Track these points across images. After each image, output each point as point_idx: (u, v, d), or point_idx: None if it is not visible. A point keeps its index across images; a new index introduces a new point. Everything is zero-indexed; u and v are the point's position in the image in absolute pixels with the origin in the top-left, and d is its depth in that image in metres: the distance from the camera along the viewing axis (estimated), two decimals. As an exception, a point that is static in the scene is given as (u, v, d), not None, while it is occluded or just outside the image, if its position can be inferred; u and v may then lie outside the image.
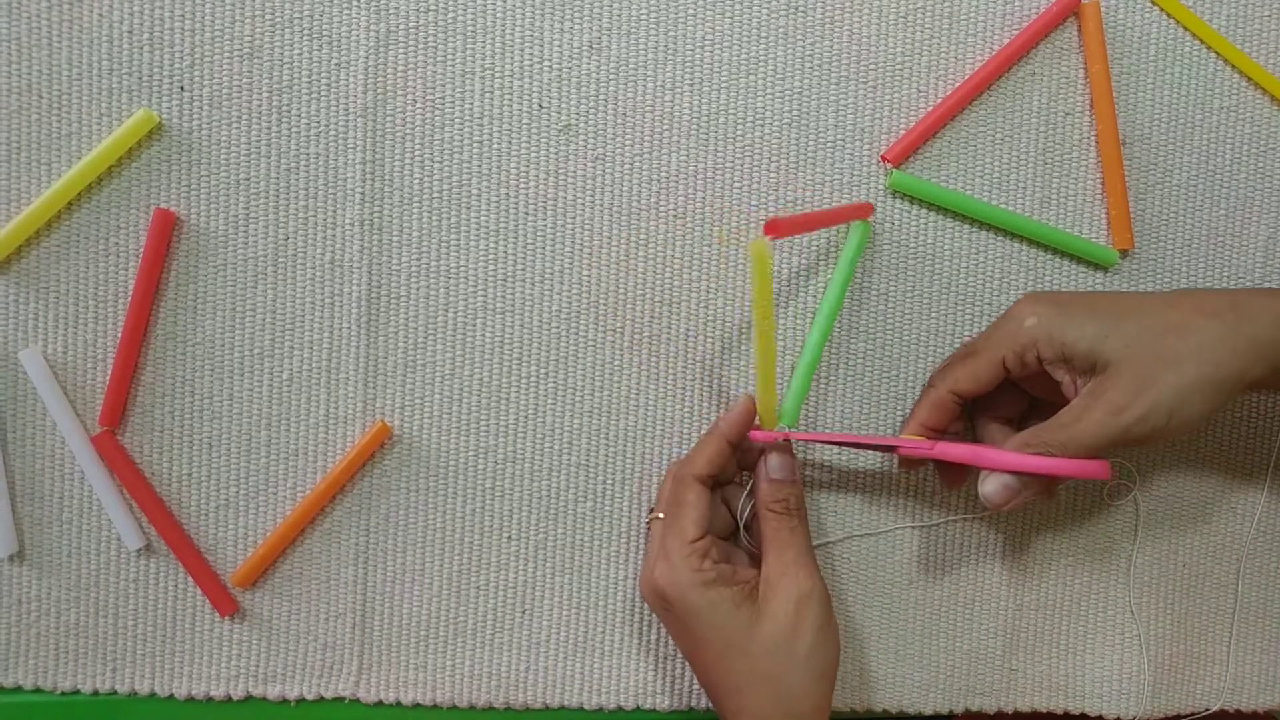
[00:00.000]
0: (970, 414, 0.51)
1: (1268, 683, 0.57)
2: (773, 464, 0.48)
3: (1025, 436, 0.45)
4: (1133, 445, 0.44)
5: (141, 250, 0.49)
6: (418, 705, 0.53)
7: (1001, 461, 0.44)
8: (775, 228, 0.42)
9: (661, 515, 0.48)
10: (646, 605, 0.52)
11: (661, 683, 0.54)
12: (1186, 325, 0.43)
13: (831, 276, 0.52)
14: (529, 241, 0.51)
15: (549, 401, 0.52)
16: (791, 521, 0.47)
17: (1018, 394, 0.50)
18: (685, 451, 0.52)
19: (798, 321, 0.52)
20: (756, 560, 0.48)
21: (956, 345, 0.53)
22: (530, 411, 0.52)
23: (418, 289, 0.51)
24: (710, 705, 0.53)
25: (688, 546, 0.46)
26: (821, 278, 0.52)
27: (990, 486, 0.45)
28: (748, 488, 0.49)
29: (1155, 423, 0.43)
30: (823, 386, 0.53)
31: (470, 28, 0.50)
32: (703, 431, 0.52)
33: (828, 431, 0.53)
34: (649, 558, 0.48)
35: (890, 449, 0.50)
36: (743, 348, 0.52)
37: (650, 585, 0.46)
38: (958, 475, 0.51)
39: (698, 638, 0.45)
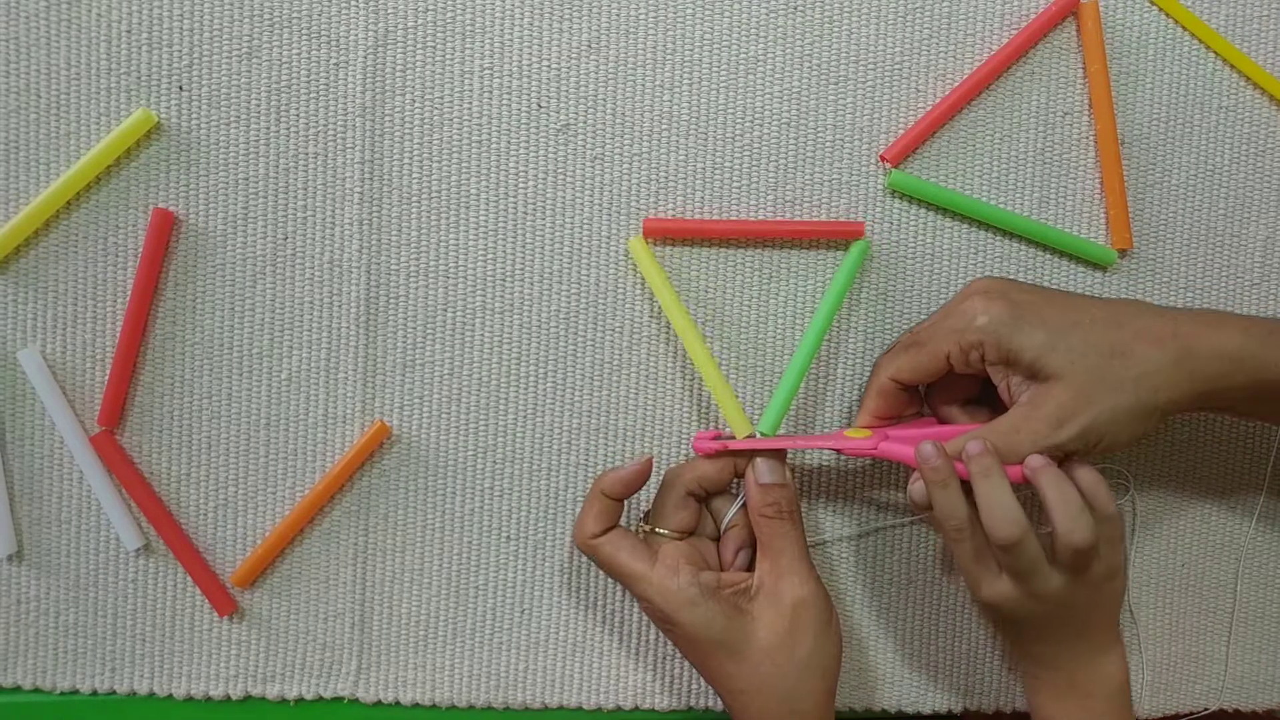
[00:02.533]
0: (925, 395, 0.51)
1: (1266, 682, 0.57)
2: (760, 469, 0.47)
3: (959, 440, 0.45)
4: (1059, 455, 0.44)
5: (140, 250, 0.49)
6: (417, 705, 0.53)
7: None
8: (651, 229, 0.43)
9: (650, 528, 0.48)
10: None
11: (661, 683, 0.54)
12: (1130, 352, 0.44)
13: (825, 293, 0.51)
14: (528, 241, 0.51)
15: (548, 401, 0.52)
16: (784, 526, 0.46)
17: (971, 377, 0.49)
18: (684, 452, 0.52)
19: (793, 330, 0.52)
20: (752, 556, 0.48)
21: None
22: (529, 411, 0.52)
23: (417, 288, 0.51)
24: (718, 703, 0.53)
25: (656, 581, 0.45)
26: (819, 288, 0.52)
27: (916, 489, 0.45)
28: (740, 496, 0.49)
29: (1089, 441, 0.43)
30: (821, 386, 0.53)
31: (469, 27, 0.50)
32: (701, 430, 0.51)
33: (811, 435, 0.53)
34: (631, 590, 0.47)
35: (835, 450, 0.49)
36: (742, 348, 0.52)
37: (642, 598, 0.46)
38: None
39: (699, 650, 0.46)
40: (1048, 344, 0.44)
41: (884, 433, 0.48)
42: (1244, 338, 0.44)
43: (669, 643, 0.53)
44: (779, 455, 0.48)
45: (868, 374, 0.53)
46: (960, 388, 0.50)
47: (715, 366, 0.50)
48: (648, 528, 0.48)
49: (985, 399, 0.50)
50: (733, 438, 0.48)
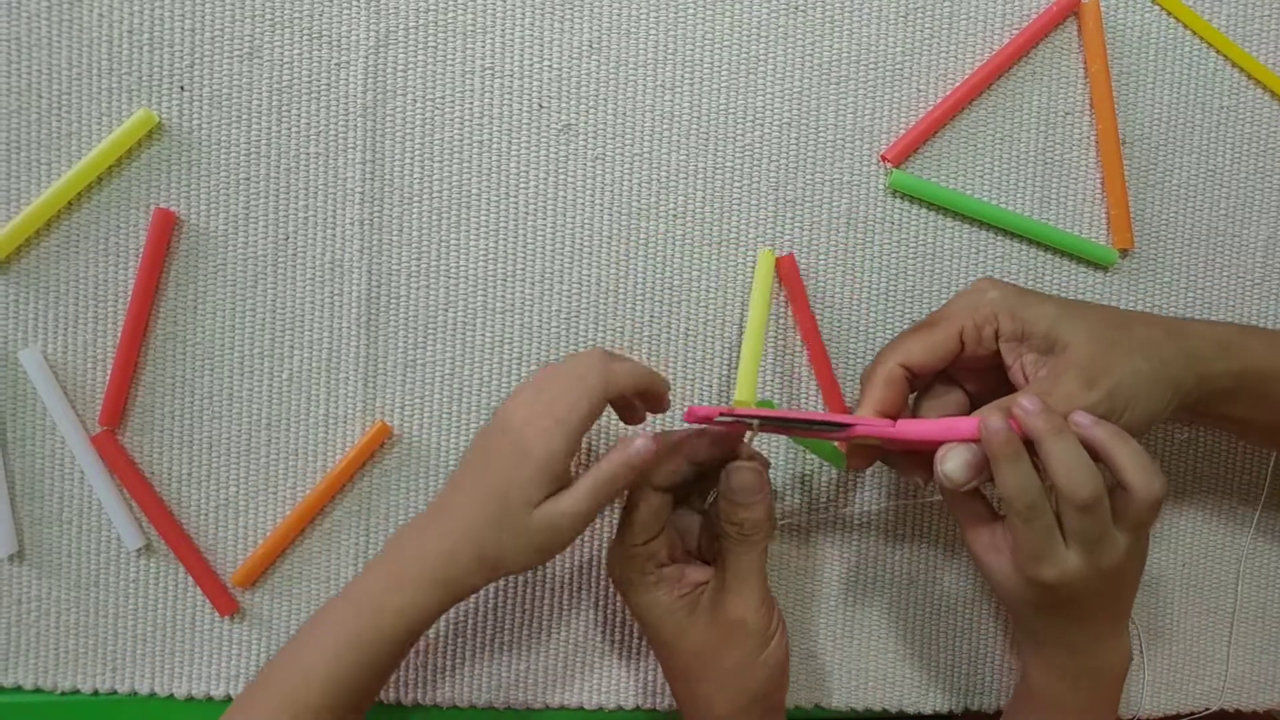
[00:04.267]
0: (917, 413, 0.48)
1: (1266, 682, 0.57)
2: (734, 482, 0.44)
3: (994, 405, 0.43)
4: None
5: (141, 250, 0.49)
6: (417, 705, 0.53)
7: (972, 428, 0.41)
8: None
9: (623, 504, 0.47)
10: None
11: (661, 682, 0.54)
12: (1131, 327, 0.44)
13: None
14: (529, 241, 0.51)
15: (549, 401, 0.52)
16: (742, 546, 0.45)
17: (961, 391, 0.48)
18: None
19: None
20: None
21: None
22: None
23: (418, 288, 0.51)
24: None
25: (629, 549, 0.45)
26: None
27: (953, 464, 0.42)
28: (712, 494, 0.47)
29: (1116, 404, 0.42)
30: (820, 387, 0.53)
31: (470, 27, 0.50)
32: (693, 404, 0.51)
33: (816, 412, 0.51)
34: (617, 539, 0.47)
35: (845, 427, 0.44)
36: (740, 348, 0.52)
37: (608, 571, 0.48)
38: (917, 463, 0.47)
39: (642, 624, 0.47)
40: (1060, 313, 0.44)
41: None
42: (1228, 327, 0.47)
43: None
44: (756, 469, 0.45)
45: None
46: (951, 399, 0.48)
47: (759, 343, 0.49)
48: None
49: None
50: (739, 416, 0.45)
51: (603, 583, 0.53)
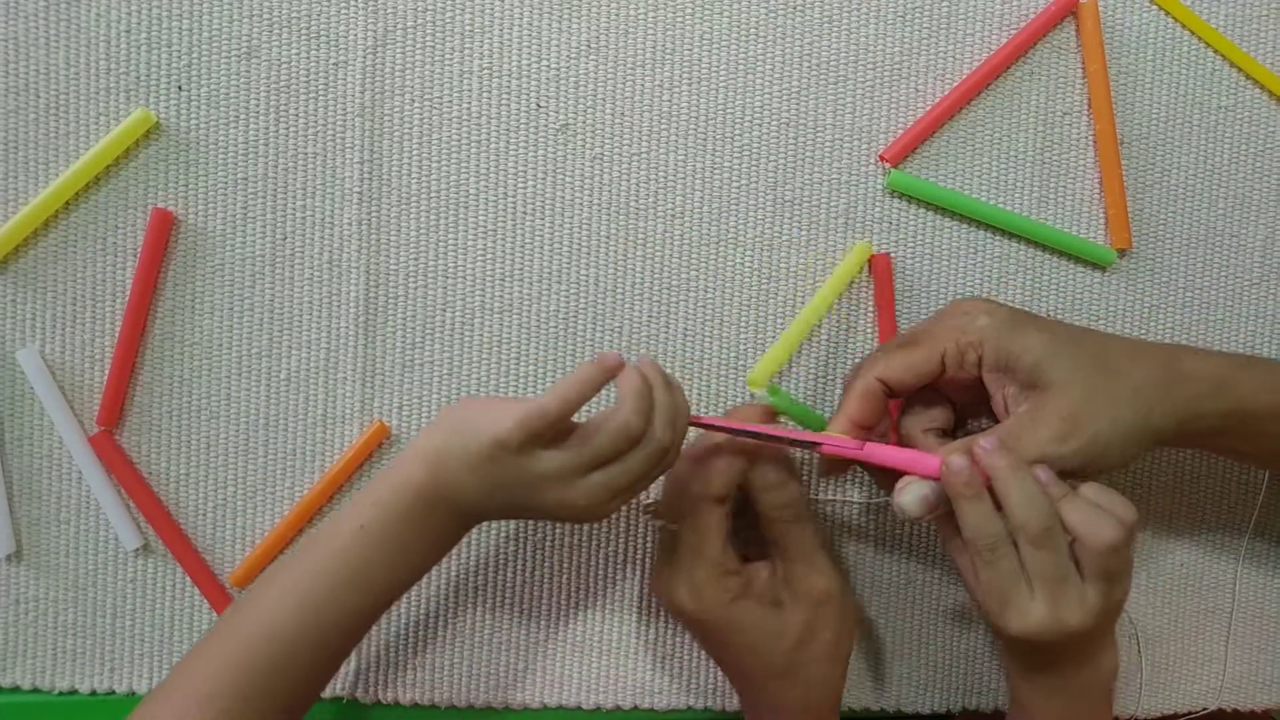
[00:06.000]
0: (900, 425, 0.48)
1: (1265, 682, 0.57)
2: (768, 475, 0.46)
3: (958, 444, 0.43)
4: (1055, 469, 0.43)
5: (139, 250, 0.49)
6: (416, 705, 0.53)
7: (933, 466, 0.42)
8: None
9: (674, 527, 0.47)
10: (646, 605, 0.53)
11: (660, 682, 0.54)
12: (1120, 368, 0.43)
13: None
14: (527, 241, 0.51)
15: (547, 401, 0.52)
16: (799, 526, 0.46)
17: (947, 404, 0.48)
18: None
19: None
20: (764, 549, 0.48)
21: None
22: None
23: (416, 288, 0.51)
24: (718, 702, 0.54)
25: (713, 568, 0.45)
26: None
27: (908, 498, 0.42)
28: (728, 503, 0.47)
29: (1091, 454, 0.42)
30: (818, 388, 0.53)
31: (468, 27, 0.50)
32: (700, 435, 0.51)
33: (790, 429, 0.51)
34: (669, 572, 0.46)
35: (812, 445, 0.45)
36: (741, 347, 0.52)
37: (675, 605, 0.46)
38: (889, 476, 0.46)
39: (725, 644, 0.46)
40: (1049, 349, 0.43)
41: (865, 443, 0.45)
42: (1223, 361, 0.45)
43: (668, 642, 0.53)
44: (785, 456, 0.46)
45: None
46: (936, 413, 0.48)
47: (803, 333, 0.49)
48: (655, 521, 0.48)
49: (960, 429, 0.49)
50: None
51: (603, 582, 0.53)
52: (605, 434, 0.41)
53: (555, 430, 0.41)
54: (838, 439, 0.45)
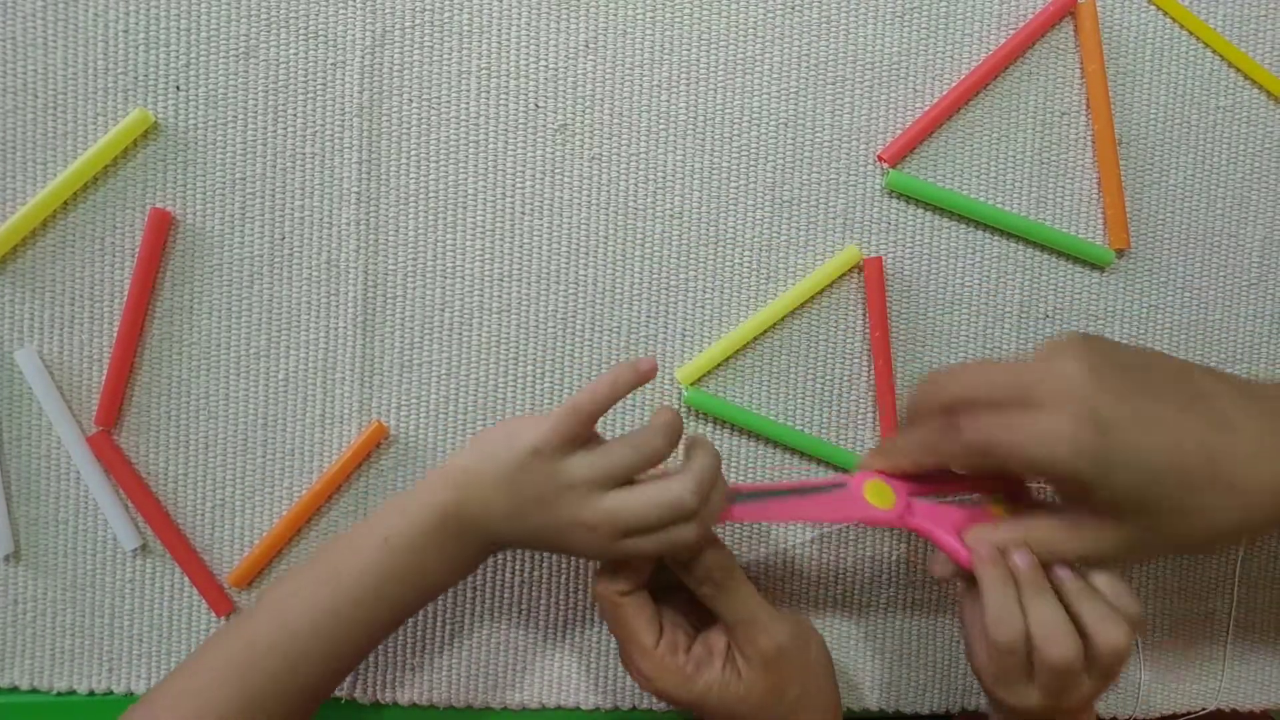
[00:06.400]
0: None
1: (1264, 682, 0.57)
2: (679, 552, 0.44)
3: (992, 532, 0.42)
4: None
5: (137, 250, 0.49)
6: (415, 705, 0.53)
7: (964, 557, 0.42)
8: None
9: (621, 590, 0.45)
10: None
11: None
12: (1208, 506, 0.38)
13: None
14: (525, 241, 0.51)
15: (546, 401, 0.52)
16: (726, 592, 0.44)
17: None
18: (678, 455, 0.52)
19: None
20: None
21: (953, 346, 0.53)
22: (527, 411, 0.52)
23: (414, 289, 0.51)
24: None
25: (657, 657, 0.44)
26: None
27: (941, 570, 0.43)
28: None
29: (1131, 559, 0.41)
30: (818, 388, 0.53)
31: (466, 27, 0.50)
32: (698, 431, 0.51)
33: (805, 481, 0.50)
34: (627, 664, 0.46)
35: (843, 520, 0.45)
36: (739, 348, 0.52)
37: (647, 690, 0.45)
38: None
39: (713, 716, 0.45)
40: (1135, 487, 0.38)
41: (906, 499, 0.44)
42: None
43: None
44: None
45: (866, 382, 0.53)
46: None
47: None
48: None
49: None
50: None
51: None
52: (627, 446, 0.42)
53: (588, 429, 0.42)
54: (875, 510, 0.44)
